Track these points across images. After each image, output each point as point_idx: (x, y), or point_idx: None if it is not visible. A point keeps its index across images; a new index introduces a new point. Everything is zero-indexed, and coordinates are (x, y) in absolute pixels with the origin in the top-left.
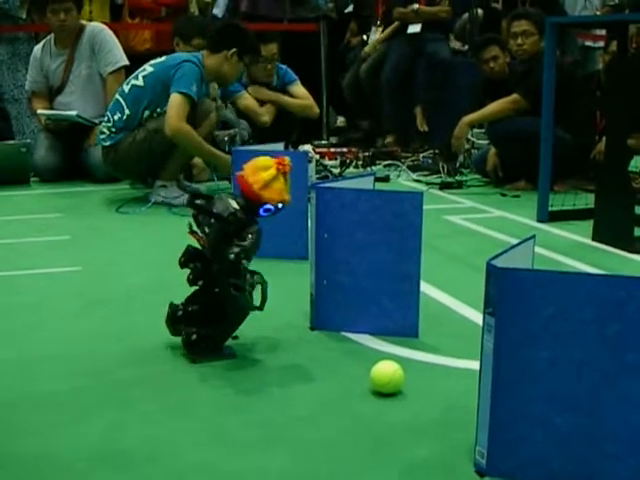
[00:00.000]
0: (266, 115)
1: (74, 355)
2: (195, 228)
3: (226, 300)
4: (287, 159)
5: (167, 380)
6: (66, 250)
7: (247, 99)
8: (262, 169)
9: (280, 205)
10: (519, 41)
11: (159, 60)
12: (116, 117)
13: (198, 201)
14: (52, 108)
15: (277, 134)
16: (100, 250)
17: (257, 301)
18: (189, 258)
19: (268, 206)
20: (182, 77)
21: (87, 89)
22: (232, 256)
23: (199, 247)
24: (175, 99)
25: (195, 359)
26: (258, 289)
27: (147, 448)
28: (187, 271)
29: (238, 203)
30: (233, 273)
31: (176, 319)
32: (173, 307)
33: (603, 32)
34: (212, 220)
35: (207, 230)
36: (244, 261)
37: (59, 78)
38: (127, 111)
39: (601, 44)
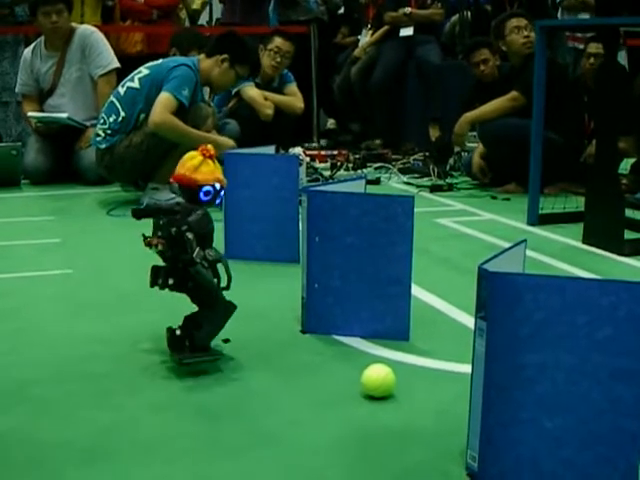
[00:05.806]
0: (270, 109)
1: (63, 359)
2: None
3: (196, 287)
4: (209, 145)
5: (156, 384)
6: (57, 253)
7: (253, 90)
8: (188, 160)
9: (218, 185)
10: (526, 33)
11: (155, 63)
12: (111, 119)
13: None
14: (42, 111)
15: (269, 137)
16: (91, 253)
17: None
18: (154, 273)
19: (206, 188)
20: (175, 79)
21: (78, 92)
22: (174, 229)
23: (160, 260)
24: (162, 97)
25: (181, 359)
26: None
27: (136, 453)
28: None
29: (179, 196)
30: (179, 249)
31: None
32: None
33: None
34: (161, 222)
35: (161, 233)
36: (188, 234)
37: (49, 81)
38: (122, 113)
39: None
